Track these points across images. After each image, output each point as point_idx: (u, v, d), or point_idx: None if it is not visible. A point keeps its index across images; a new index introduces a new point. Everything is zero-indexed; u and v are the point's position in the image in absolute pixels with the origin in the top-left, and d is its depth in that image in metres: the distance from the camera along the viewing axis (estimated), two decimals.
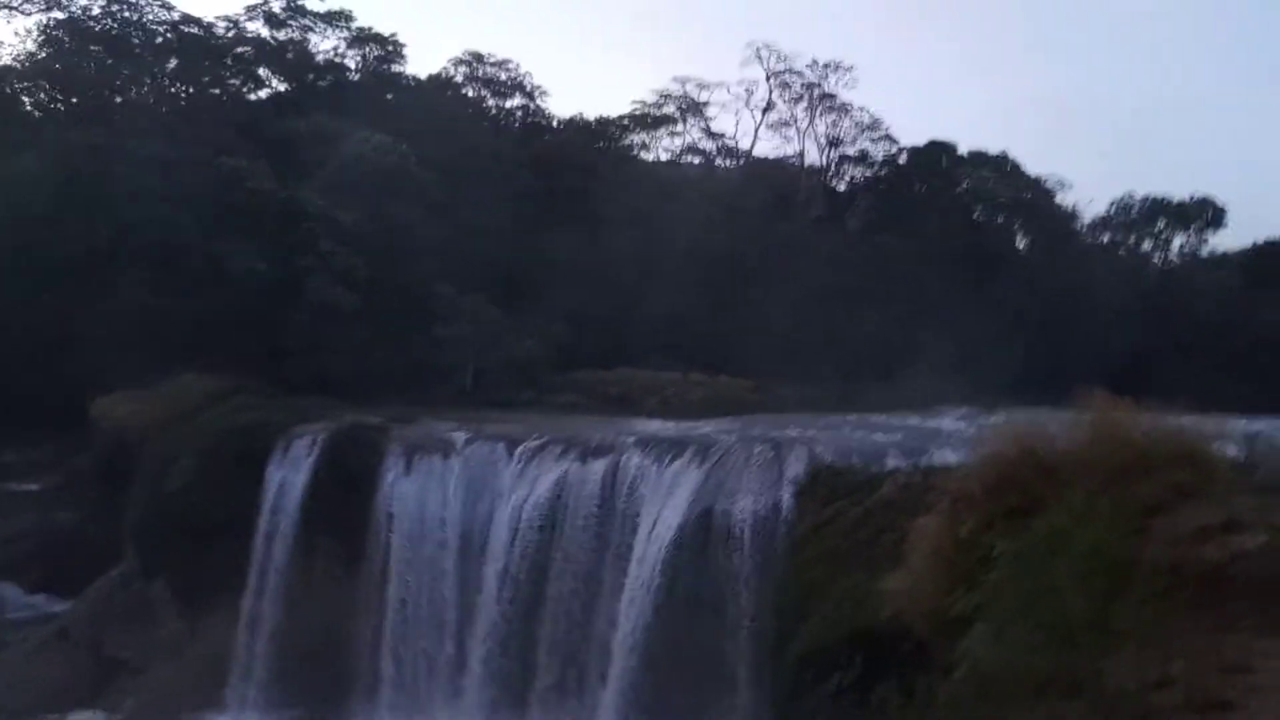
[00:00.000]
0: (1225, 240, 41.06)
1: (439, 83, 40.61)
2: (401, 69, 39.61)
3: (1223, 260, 40.39)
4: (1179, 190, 42.23)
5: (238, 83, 36.26)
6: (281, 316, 26.25)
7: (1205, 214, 40.39)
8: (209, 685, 19.76)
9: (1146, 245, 42.29)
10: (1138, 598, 5.18)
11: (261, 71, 37.14)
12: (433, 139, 32.89)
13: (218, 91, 35.07)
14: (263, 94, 37.23)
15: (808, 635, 11.22)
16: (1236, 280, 37.92)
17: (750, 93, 43.33)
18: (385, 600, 19.68)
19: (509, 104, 42.37)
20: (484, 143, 36.86)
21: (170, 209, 26.21)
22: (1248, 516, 6.03)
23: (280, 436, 21.47)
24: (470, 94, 41.66)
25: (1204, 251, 41.39)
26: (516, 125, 42.19)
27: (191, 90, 34.30)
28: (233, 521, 20.53)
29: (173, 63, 33.85)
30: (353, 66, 39.13)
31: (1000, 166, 40.60)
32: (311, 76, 37.90)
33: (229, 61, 35.63)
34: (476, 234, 31.39)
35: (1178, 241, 41.68)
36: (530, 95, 42.17)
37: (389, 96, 37.89)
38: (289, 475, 20.84)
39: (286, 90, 37.36)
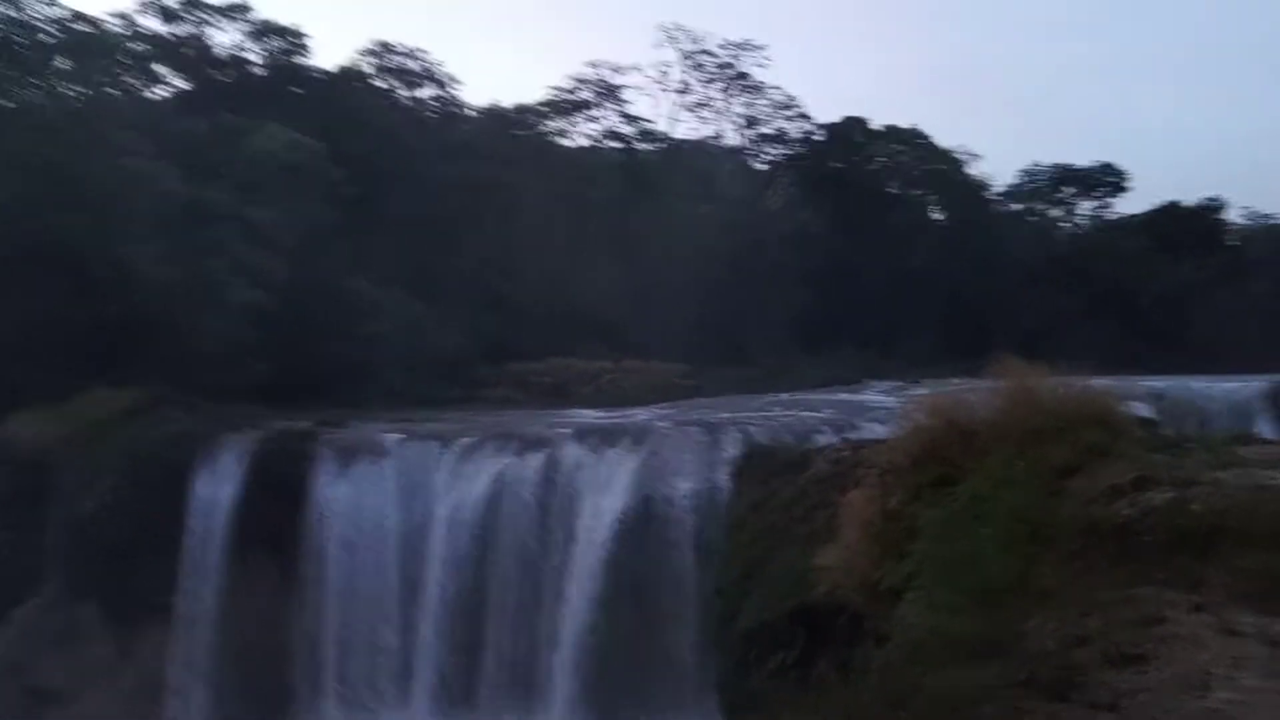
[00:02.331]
0: (1128, 204, 42.69)
1: (347, 75, 39.67)
2: (307, 61, 38.59)
3: (1126, 224, 41.93)
4: (1083, 158, 43.72)
5: (135, 81, 34.90)
6: (197, 322, 25.44)
7: (1108, 180, 41.88)
8: (145, 707, 19.23)
9: (1055, 212, 43.67)
10: (1056, 557, 5.41)
11: (159, 68, 35.80)
12: (344, 133, 32.19)
13: (114, 91, 33.71)
14: (162, 92, 35.96)
15: (749, 614, 11.40)
16: (1140, 243, 39.44)
17: (665, 75, 43.45)
18: (325, 608, 19.37)
19: (421, 94, 41.67)
20: (397, 135, 36.20)
21: (69, 215, 25.14)
22: (1156, 473, 6.33)
23: (205, 448, 20.91)
24: (381, 85, 40.84)
25: (1108, 216, 42.92)
26: (431, 116, 41.53)
27: (86, 91, 32.91)
28: (160, 538, 19.92)
29: (63, 63, 32.39)
30: (256, 61, 37.98)
31: (912, 140, 41.43)
32: (213, 72, 36.68)
33: (124, 59, 34.24)
34: (395, 228, 30.89)
35: (1083, 207, 43.15)
36: (442, 85, 41.54)
37: (296, 90, 36.89)
38: (217, 488, 20.30)
39: (187, 88, 36.11)
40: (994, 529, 6.06)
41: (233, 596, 19.59)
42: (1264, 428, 17.70)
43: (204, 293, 25.84)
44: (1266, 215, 43.20)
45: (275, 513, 19.74)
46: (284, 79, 37.32)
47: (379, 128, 35.61)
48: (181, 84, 36.33)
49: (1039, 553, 5.62)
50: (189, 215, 26.81)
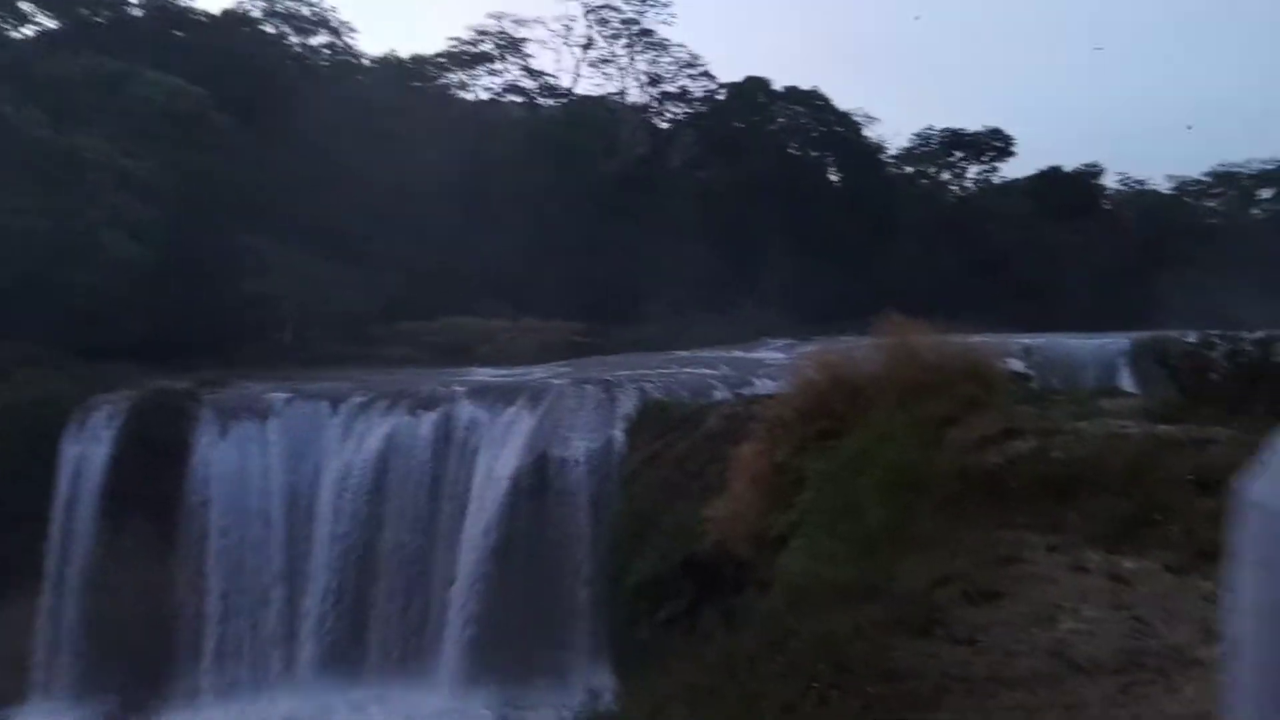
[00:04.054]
0: (1014, 169, 44.34)
1: (234, 19, 37.73)
2: (189, 3, 36.53)
3: (1012, 187, 43.57)
4: (972, 123, 45.13)
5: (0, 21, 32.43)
6: (71, 277, 24.03)
7: (995, 144, 43.33)
8: (9, 679, 18.30)
9: (945, 175, 45.00)
10: (931, 505, 5.61)
11: (25, 6, 33.31)
12: (231, 80, 30.65)
13: None
14: (29, 31, 33.50)
15: (641, 567, 11.55)
16: (1024, 206, 41.06)
17: (569, 29, 42.80)
18: (205, 575, 18.74)
19: (314, 41, 40.00)
20: (288, 83, 34.68)
21: None
22: (1023, 423, 6.63)
23: (75, 409, 19.87)
24: (270, 31, 38.99)
25: (995, 179, 44.50)
26: (324, 65, 39.91)
27: None
28: (27, 501, 18.92)
29: None
30: (133, 1, 35.72)
31: (812, 102, 41.95)
32: (86, 11, 34.33)
33: None
34: (287, 183, 29.68)
35: (972, 171, 44.59)
36: (336, 32, 39.96)
37: (177, 34, 34.89)
38: (87, 450, 19.35)
39: (56, 27, 33.73)
40: (874, 479, 6.25)
41: (105, 563, 18.75)
42: (1126, 381, 18.81)
43: (77, 246, 24.41)
44: (1140, 180, 45.51)
45: (152, 475, 18.93)
46: (164, 21, 35.22)
47: (268, 75, 34.04)
48: (50, 23, 33.92)
49: (915, 501, 5.82)
50: (60, 164, 25.18)
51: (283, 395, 20.17)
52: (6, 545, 18.82)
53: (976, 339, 9.63)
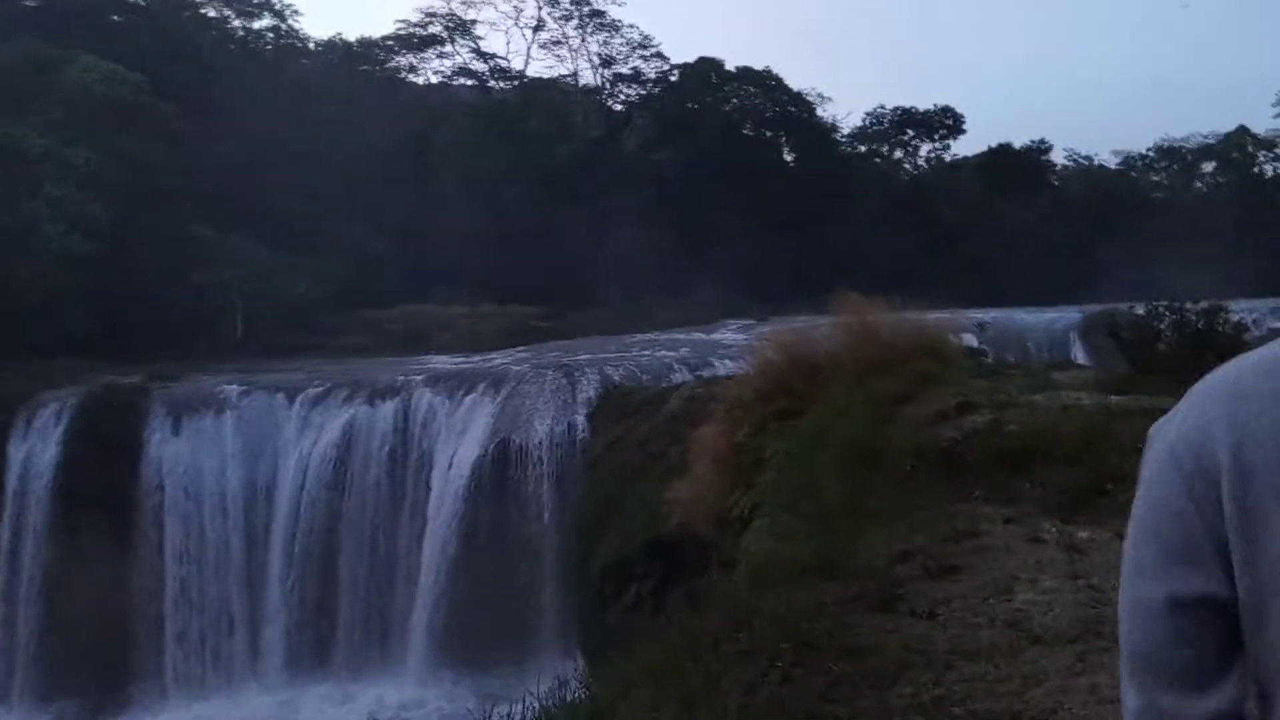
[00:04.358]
0: (965, 146, 44.83)
1: (174, 2, 36.77)
2: None
3: (963, 165, 44.06)
4: (924, 101, 45.52)
5: None
6: (9, 272, 23.37)
7: (946, 123, 43.76)
8: None
9: (898, 154, 45.37)
10: (888, 481, 5.68)
11: None
12: (171, 66, 29.90)
13: None
14: None
15: (606, 550, 11.58)
16: (975, 183, 41.55)
17: (519, 10, 42.34)
18: (164, 575, 18.38)
19: (257, 25, 39.15)
20: (232, 69, 33.92)
21: None
22: (978, 398, 6.73)
23: (21, 407, 19.37)
24: (211, 15, 38.08)
25: (947, 157, 44.96)
26: (268, 48, 39.09)
27: None
28: None
29: None
30: None
31: (765, 82, 41.98)
32: None
33: None
34: (233, 171, 29.06)
35: (924, 149, 45.02)
36: (280, 15, 39.13)
37: (114, 18, 33.90)
38: (35, 449, 18.86)
39: None
40: (832, 457, 6.31)
41: (59, 565, 18.31)
42: (1078, 355, 19.19)
43: (17, 241, 23.72)
44: (1087, 157, 46.24)
45: (104, 474, 18.49)
46: (101, 5, 34.20)
47: (211, 60, 33.24)
48: None
49: (873, 477, 5.88)
50: None
51: (237, 388, 19.82)
52: None
53: (931, 316, 9.75)
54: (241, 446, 18.93)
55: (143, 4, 35.41)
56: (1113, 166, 46.15)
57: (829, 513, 5.54)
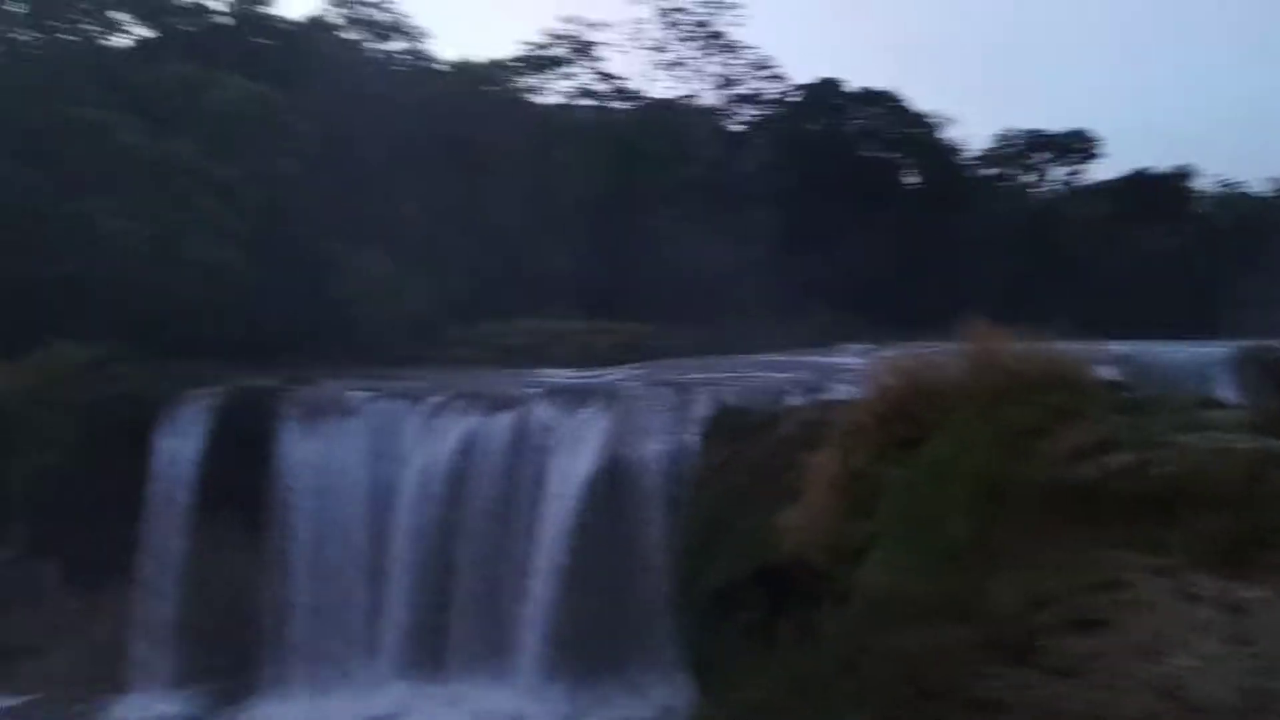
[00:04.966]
0: (1100, 171, 42.86)
1: (315, 25, 38.67)
2: (272, 11, 37.52)
3: (1097, 190, 42.10)
4: (1056, 124, 43.77)
5: (93, 28, 33.75)
6: (160, 279, 24.90)
7: (1079, 146, 41.93)
8: (112, 665, 19.06)
9: (1027, 177, 43.73)
10: (1017, 519, 5.38)
11: (118, 15, 34.63)
12: (310, 87, 31.42)
13: (71, 38, 32.59)
14: (121, 40, 34.82)
15: (715, 573, 11.41)
16: (1109, 209, 39.63)
17: (639, 32, 42.80)
18: (292, 567, 19.22)
19: (389, 47, 40.74)
20: (366, 88, 35.40)
21: (26, 167, 24.40)
22: (1120, 435, 6.31)
23: (167, 404, 20.59)
24: (349, 37, 39.86)
25: (1080, 183, 43.05)
26: (400, 69, 40.64)
27: (40, 36, 31.79)
28: (122, 494, 19.65)
29: (16, 6, 31.23)
30: (220, 9, 36.86)
31: (887, 103, 41.20)
32: (173, 20, 35.55)
33: (81, 4, 33.07)
34: (363, 187, 30.30)
35: (1055, 173, 43.24)
36: (412, 37, 40.64)
37: (262, 41, 35.89)
38: (179, 444, 20.01)
39: (148, 36, 35.01)
40: (957, 490, 6.03)
41: (197, 556, 19.38)
42: (1226, 392, 17.91)
43: (167, 249, 25.30)
44: (1237, 183, 43.55)
45: (240, 471, 19.48)
46: (249, 29, 36.28)
47: (347, 81, 34.79)
48: (143, 32, 35.23)
49: (1001, 514, 5.59)
50: (150, 169, 26.14)
51: (364, 393, 20.57)
52: (103, 538, 19.59)
53: (1063, 345, 9.26)
54: (367, 450, 19.61)
55: (287, 28, 37.39)
56: (1265, 194, 43.30)
57: (952, 549, 5.29)
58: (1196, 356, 21.56)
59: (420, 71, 40.67)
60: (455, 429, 19.36)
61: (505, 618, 18.01)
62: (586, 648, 16.83)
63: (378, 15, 39.50)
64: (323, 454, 19.63)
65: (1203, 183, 42.74)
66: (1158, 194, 40.26)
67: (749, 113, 43.27)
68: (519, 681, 17.25)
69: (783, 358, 24.92)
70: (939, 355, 9.15)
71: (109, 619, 19.50)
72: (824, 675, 3.71)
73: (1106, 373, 11.18)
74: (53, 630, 19.72)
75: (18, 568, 20.60)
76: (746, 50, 41.98)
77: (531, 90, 43.19)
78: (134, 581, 19.42)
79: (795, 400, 17.56)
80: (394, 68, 40.29)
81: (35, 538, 20.60)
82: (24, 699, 18.66)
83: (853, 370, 20.22)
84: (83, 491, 19.94)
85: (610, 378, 22.15)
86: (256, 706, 17.94)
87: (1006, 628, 3.71)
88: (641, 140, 37.28)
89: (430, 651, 18.20)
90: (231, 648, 18.67)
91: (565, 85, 43.35)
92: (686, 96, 43.44)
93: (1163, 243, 37.44)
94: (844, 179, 37.21)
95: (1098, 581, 4.08)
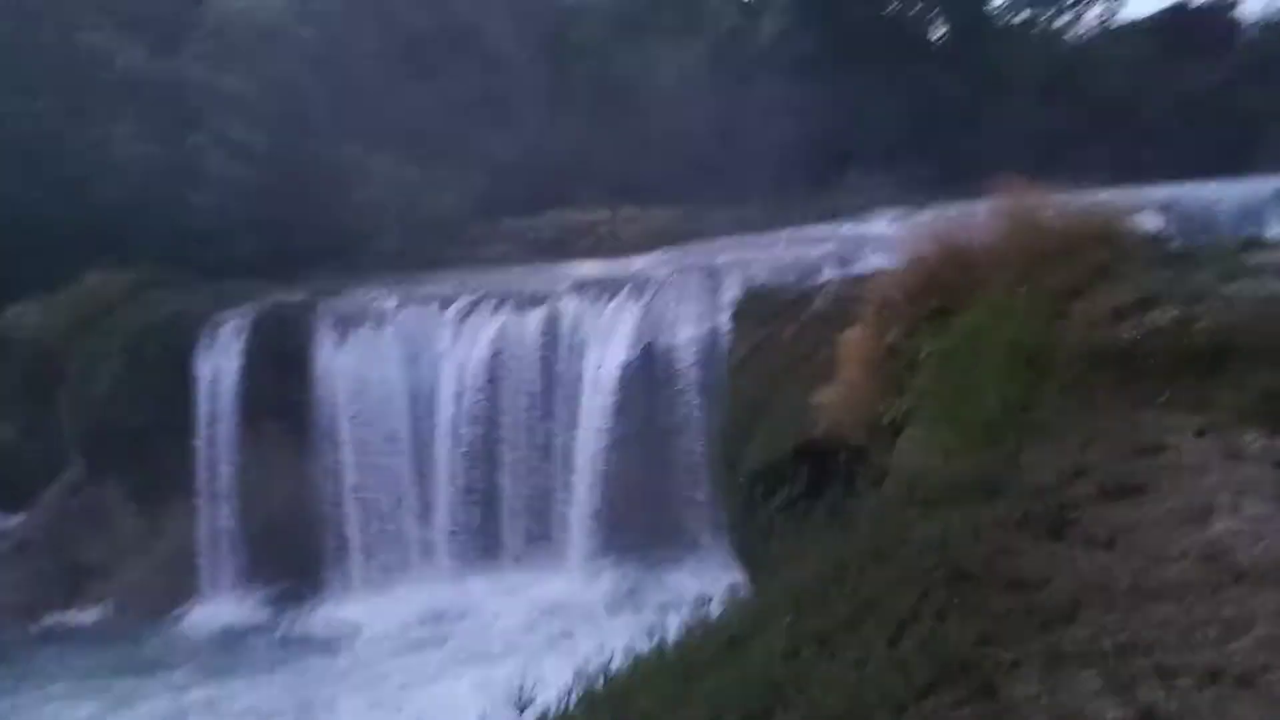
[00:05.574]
0: (1138, 6, 40.51)
1: None
2: None
3: (1135, 29, 39.84)
4: None
5: None
6: (181, 200, 24.86)
7: None
8: (181, 577, 19.98)
9: (1060, 21, 41.47)
10: (1056, 387, 5.19)
11: None
12: None
13: None
14: None
15: (753, 454, 11.45)
16: (1148, 48, 37.55)
17: None
18: (341, 474, 19.78)
19: None
20: None
21: (33, 99, 24.15)
22: (1161, 290, 6.03)
23: (203, 325, 20.88)
24: None
25: (1114, 23, 40.76)
26: None
27: None
28: (171, 415, 20.24)
29: None
30: None
31: None
32: None
33: None
34: (369, 89, 29.61)
35: (1090, 14, 40.95)
36: None
37: None
38: (220, 363, 20.41)
39: None
40: (992, 360, 5.83)
41: (249, 469, 20.00)
42: (1277, 229, 17.18)
43: (186, 170, 25.14)
44: None
45: (280, 385, 19.89)
46: None
47: None
48: None
49: (1039, 383, 5.40)
50: (160, 90, 25.75)
51: (393, 300, 20.64)
52: (161, 455, 20.28)
53: (1104, 196, 8.85)
54: (401, 356, 19.83)
55: None
56: None
57: (989, 422, 5.13)
58: (1245, 195, 20.66)
59: None
60: (487, 329, 19.43)
61: (552, 509, 18.44)
62: (633, 533, 17.22)
63: None
64: (359, 364, 19.89)
65: (1249, 9, 40.25)
66: (1199, 27, 37.99)
67: None
68: (571, 569, 17.76)
69: (814, 231, 24.43)
70: (973, 217, 8.80)
71: (172, 535, 20.30)
72: (858, 561, 3.63)
73: (1149, 223, 10.75)
74: (120, 550, 20.61)
75: (82, 493, 21.42)
76: None
77: None
78: (192, 497, 20.10)
79: (828, 275, 17.27)
80: None
81: (94, 464, 21.33)
82: (100, 615, 19.68)
83: (886, 239, 19.77)
84: (134, 415, 20.52)
85: (640, 265, 21.92)
86: (321, 607, 18.73)
87: (1042, 502, 3.59)
88: (653, 14, 35.83)
89: (482, 545, 18.77)
90: (292, 553, 19.40)
91: None
92: None
93: (1206, 78, 35.52)
94: (868, 38, 35.59)
95: (1137, 446, 3.91)
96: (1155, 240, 8.74)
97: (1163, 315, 5.43)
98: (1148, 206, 15.00)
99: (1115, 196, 9.14)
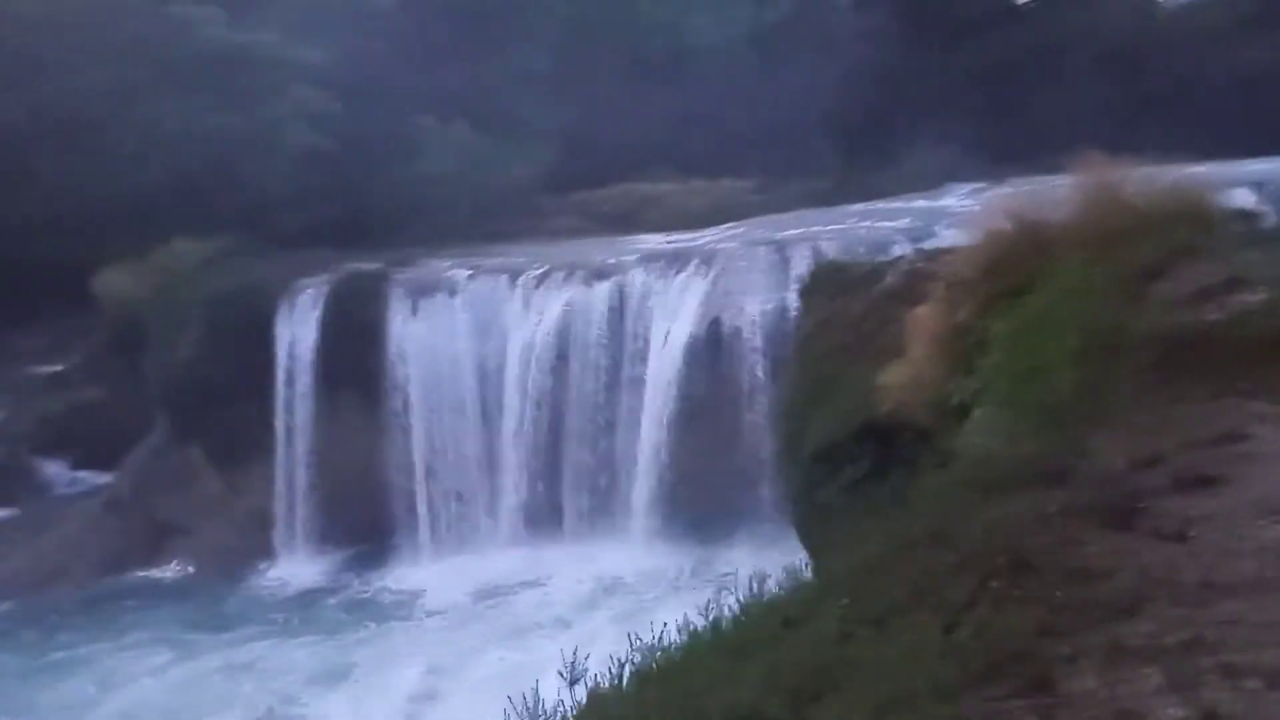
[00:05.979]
0: None
1: None
2: None
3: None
4: None
5: None
6: (262, 169, 25.50)
7: None
8: (257, 537, 20.73)
9: None
10: (1131, 370, 5.01)
11: None
12: None
13: None
14: None
15: (817, 431, 11.30)
16: (1226, 17, 35.58)
17: None
18: (411, 442, 20.23)
19: None
20: None
21: (116, 68, 24.90)
22: (1250, 271, 5.76)
23: (283, 293, 21.45)
24: None
25: None
26: None
27: None
28: (252, 380, 20.92)
29: None
30: None
31: None
32: None
33: None
34: (444, 60, 29.85)
35: None
36: None
37: None
38: (298, 330, 20.99)
39: None
40: (1064, 342, 5.65)
41: (324, 434, 20.56)
42: None
43: (267, 140, 25.73)
44: None
45: (355, 353, 20.37)
46: None
47: None
48: None
49: (1114, 366, 5.21)
50: (244, 61, 26.33)
51: (465, 272, 20.91)
52: (242, 417, 21.01)
53: (1192, 171, 8.46)
54: (472, 326, 20.13)
55: None
56: None
57: (1059, 406, 4.98)
58: None
59: None
60: (555, 301, 19.55)
61: (617, 481, 18.56)
62: (696, 508, 17.26)
63: None
64: (430, 333, 20.23)
65: None
66: None
67: None
68: (634, 541, 17.89)
69: (887, 205, 23.94)
70: (1050, 192, 8.51)
71: (251, 495, 21.04)
72: (919, 545, 3.57)
73: (1240, 200, 10.27)
74: (201, 509, 21.45)
75: (164, 454, 22.30)
76: None
77: None
78: (270, 460, 20.76)
79: (899, 250, 16.92)
80: None
81: (177, 426, 22.16)
82: (180, 572, 20.55)
83: (960, 214, 19.25)
84: (215, 379, 21.24)
85: (708, 238, 21.79)
86: (392, 569, 19.25)
87: (1109, 490, 3.48)
88: None
89: (547, 515, 19.02)
90: (363, 517, 19.96)
91: None
92: None
93: None
94: (943, 8, 34.52)
95: (1215, 435, 3.76)
96: (1246, 218, 8.35)
97: (1251, 297, 5.19)
98: (1239, 183, 14.35)
99: (1204, 171, 8.74)
